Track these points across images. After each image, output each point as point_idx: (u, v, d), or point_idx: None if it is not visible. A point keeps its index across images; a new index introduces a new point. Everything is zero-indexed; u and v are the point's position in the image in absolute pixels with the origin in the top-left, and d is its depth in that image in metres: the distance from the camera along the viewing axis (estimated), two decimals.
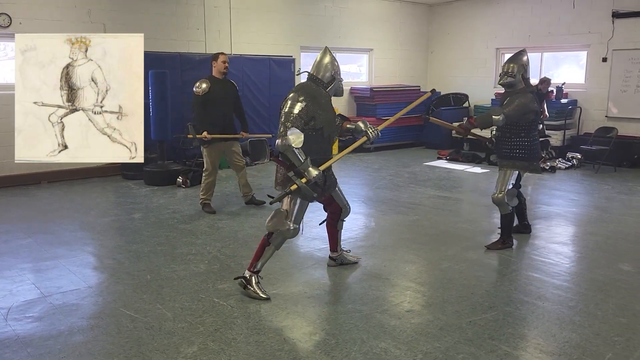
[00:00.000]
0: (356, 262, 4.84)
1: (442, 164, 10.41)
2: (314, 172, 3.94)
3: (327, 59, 4.22)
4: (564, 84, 10.84)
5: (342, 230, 4.80)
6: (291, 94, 4.07)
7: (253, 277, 4.14)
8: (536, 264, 4.91)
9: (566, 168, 9.81)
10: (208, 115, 6.37)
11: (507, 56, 12.11)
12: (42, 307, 3.93)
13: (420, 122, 12.49)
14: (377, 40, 12.52)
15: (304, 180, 3.96)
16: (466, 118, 5.11)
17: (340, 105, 11.81)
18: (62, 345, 3.38)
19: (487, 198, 7.52)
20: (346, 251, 4.91)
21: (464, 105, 12.66)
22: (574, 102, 10.95)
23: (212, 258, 4.97)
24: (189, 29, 9.67)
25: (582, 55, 11.15)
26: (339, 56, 12.71)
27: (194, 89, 6.44)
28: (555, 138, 10.52)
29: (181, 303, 3.98)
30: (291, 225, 4.09)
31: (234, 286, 4.30)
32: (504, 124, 5.13)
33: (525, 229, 5.76)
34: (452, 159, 10.71)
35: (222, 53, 6.59)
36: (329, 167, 4.20)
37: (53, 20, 8.27)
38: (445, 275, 4.61)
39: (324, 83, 4.19)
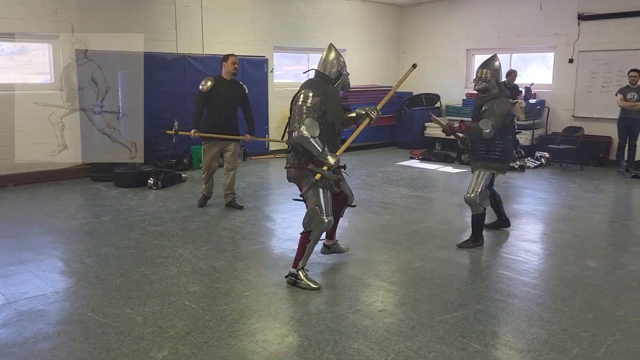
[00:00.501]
0: (347, 251, 5.07)
1: (415, 163, 10.50)
2: (332, 159, 4.13)
3: (332, 55, 4.39)
4: (532, 84, 11.04)
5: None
6: (302, 91, 4.23)
7: (300, 272, 4.30)
8: (506, 262, 4.99)
9: (535, 167, 10.00)
10: (207, 113, 6.49)
11: (478, 57, 12.40)
12: (7, 313, 3.83)
13: (393, 122, 12.62)
14: (350, 41, 12.55)
15: (325, 167, 4.10)
16: (458, 122, 5.25)
17: None
18: (28, 352, 3.30)
19: (459, 197, 7.62)
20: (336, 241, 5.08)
21: (436, 105, 12.79)
22: (542, 102, 11.16)
23: (184, 260, 4.92)
24: (160, 28, 9.55)
25: (550, 56, 11.38)
26: (311, 56, 12.71)
27: (199, 86, 6.51)
28: (524, 137, 10.70)
29: (151, 307, 3.92)
30: (325, 218, 4.24)
31: (206, 289, 4.27)
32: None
33: (504, 224, 5.94)
34: (424, 159, 10.81)
35: (233, 55, 6.68)
36: None
37: (19, 19, 8.08)
38: (418, 274, 4.64)
39: (331, 79, 4.35)
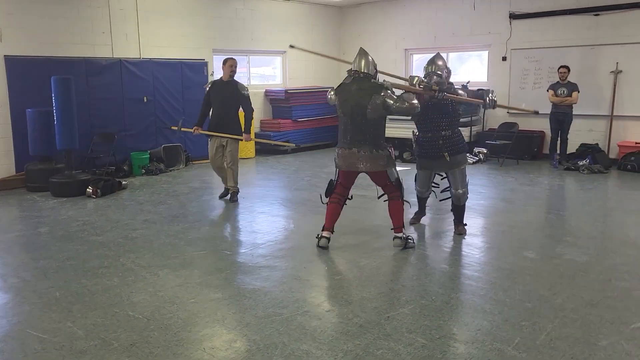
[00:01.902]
0: None
1: None
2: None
3: (370, 57, 5.12)
4: (468, 82, 11.32)
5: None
6: (381, 93, 4.92)
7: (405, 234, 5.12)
8: (449, 256, 5.13)
9: (473, 163, 10.31)
10: (211, 112, 7.18)
11: (416, 57, 12.66)
12: None
13: (336, 123, 12.71)
14: (290, 42, 12.47)
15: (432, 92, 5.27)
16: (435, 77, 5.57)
17: (256, 107, 11.70)
18: None
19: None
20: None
21: None
22: None
23: (126, 270, 4.78)
24: (94, 32, 9.25)
25: (485, 54, 11.75)
26: (252, 58, 12.61)
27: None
28: (463, 134, 10.99)
29: (93, 319, 3.80)
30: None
31: (150, 298, 4.17)
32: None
33: (421, 216, 6.27)
34: None
35: (231, 58, 7.22)
36: None
37: None
38: (364, 272, 4.70)
39: (372, 76, 5.12)
